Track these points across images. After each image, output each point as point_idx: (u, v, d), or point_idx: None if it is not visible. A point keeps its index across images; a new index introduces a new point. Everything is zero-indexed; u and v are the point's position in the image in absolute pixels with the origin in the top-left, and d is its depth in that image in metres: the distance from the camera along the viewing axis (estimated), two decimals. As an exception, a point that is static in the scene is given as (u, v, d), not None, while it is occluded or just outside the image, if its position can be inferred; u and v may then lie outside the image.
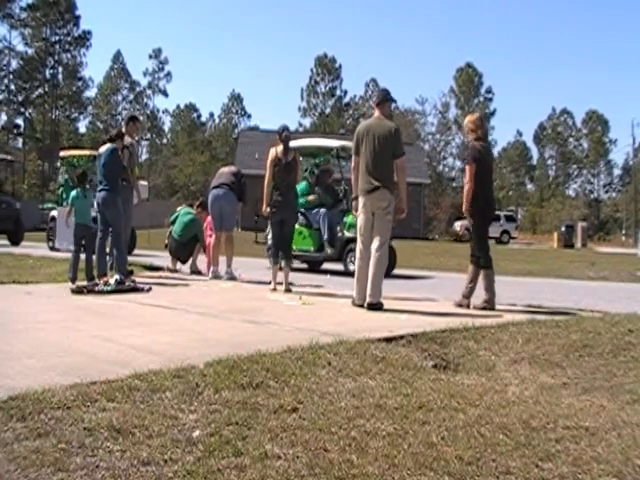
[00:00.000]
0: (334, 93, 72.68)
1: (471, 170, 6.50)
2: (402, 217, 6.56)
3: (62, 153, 18.31)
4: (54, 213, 16.80)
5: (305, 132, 55.45)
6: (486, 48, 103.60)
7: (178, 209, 10.95)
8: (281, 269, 7.94)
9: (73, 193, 8.52)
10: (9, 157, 25.06)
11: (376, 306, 6.20)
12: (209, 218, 9.92)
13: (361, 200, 6.46)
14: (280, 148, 7.84)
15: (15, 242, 18.17)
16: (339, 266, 11.82)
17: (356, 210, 6.58)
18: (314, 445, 2.61)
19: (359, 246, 6.50)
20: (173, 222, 10.62)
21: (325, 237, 11.69)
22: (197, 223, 10.38)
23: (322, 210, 11.92)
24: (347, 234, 11.31)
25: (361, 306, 6.33)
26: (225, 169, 10.04)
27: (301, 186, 11.74)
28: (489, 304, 6.40)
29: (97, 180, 8.36)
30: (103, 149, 8.26)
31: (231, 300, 7.14)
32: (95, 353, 4.08)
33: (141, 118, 67.20)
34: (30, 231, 18.89)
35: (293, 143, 12.84)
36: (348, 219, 11.29)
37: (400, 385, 3.52)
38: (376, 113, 6.63)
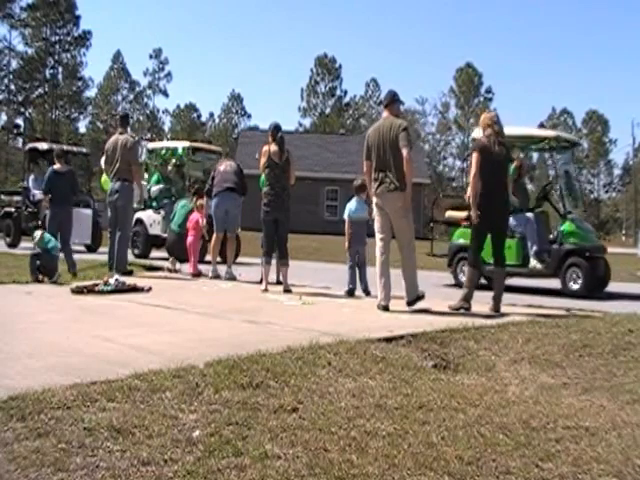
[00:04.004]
0: (334, 93, 72.60)
1: (476, 160, 6.30)
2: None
3: (150, 145, 15.80)
4: (141, 215, 13.97)
5: (305, 132, 55.45)
6: (486, 48, 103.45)
7: (175, 209, 10.90)
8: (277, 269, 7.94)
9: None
10: (84, 150, 20.68)
11: (416, 301, 6.23)
12: (192, 216, 9.84)
13: (375, 201, 6.41)
14: (274, 149, 7.76)
15: (93, 249, 14.97)
16: (545, 282, 9.89)
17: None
18: (314, 445, 2.61)
19: (379, 244, 6.41)
20: (172, 218, 10.56)
21: (535, 248, 9.44)
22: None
23: (529, 214, 9.70)
24: (566, 245, 9.30)
25: (386, 308, 6.20)
26: (228, 168, 9.43)
27: None
28: (464, 304, 6.23)
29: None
30: None
31: (231, 300, 7.14)
32: (95, 353, 4.09)
33: (141, 118, 67.38)
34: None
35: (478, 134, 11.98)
36: (565, 226, 9.41)
37: (400, 385, 3.52)
38: (384, 114, 6.55)
